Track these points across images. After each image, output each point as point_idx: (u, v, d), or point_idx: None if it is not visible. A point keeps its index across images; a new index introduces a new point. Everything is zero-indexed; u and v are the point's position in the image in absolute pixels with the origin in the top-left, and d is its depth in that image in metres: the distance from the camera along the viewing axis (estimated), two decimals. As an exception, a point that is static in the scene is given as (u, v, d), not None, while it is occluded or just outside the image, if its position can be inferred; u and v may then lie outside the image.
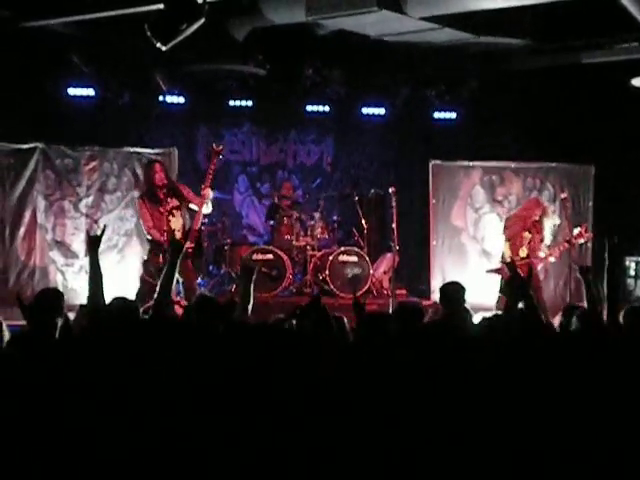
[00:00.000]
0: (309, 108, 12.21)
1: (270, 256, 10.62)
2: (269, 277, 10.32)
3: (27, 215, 10.48)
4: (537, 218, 9.20)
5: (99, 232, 5.38)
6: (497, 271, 9.21)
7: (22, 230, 10.46)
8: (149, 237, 8.83)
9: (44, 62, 10.43)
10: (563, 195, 10.48)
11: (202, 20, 6.85)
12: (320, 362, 4.14)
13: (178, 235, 8.61)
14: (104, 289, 5.12)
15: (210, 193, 8.77)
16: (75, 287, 10.30)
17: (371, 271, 10.82)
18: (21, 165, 10.48)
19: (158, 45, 7.13)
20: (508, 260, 8.56)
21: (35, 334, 4.68)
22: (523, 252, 9.14)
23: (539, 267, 9.32)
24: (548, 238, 9.36)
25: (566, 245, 9.24)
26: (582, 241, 9.33)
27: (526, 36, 9.75)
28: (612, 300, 5.21)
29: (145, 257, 9.02)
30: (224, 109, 12.01)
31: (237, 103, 11.94)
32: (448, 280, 6.85)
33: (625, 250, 10.73)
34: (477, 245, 11.51)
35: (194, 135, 12.47)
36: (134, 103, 11.36)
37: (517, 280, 5.37)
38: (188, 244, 8.61)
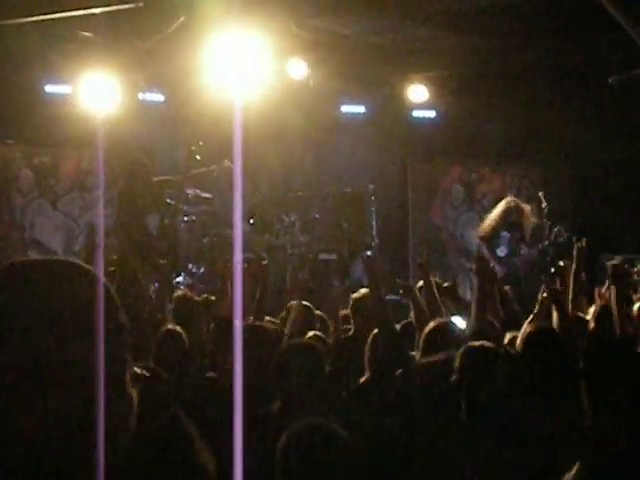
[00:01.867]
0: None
1: (250, 255, 10.60)
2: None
3: (4, 214, 10.41)
4: (514, 218, 9.25)
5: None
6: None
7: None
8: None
9: (21, 60, 10.34)
10: (540, 194, 10.53)
11: (182, 19, 6.83)
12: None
13: (154, 233, 8.62)
14: None
15: None
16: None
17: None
18: (-2, 164, 10.42)
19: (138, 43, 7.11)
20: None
21: None
22: (502, 252, 9.18)
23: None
24: (527, 238, 9.41)
25: (545, 244, 9.30)
26: (561, 240, 9.38)
27: (508, 34, 9.79)
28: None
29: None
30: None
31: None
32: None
33: (602, 249, 10.79)
34: (457, 243, 11.55)
35: (173, 133, 12.40)
36: (112, 100, 11.27)
37: (484, 279, 5.35)
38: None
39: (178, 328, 4.78)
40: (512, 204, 9.49)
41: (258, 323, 4.79)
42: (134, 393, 1.46)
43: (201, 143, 9.01)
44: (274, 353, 4.23)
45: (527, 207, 9.83)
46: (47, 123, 10.88)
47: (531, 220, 9.63)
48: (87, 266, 1.45)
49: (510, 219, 9.23)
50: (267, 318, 5.75)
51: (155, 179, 9.15)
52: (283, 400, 3.93)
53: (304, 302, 5.76)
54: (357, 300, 5.75)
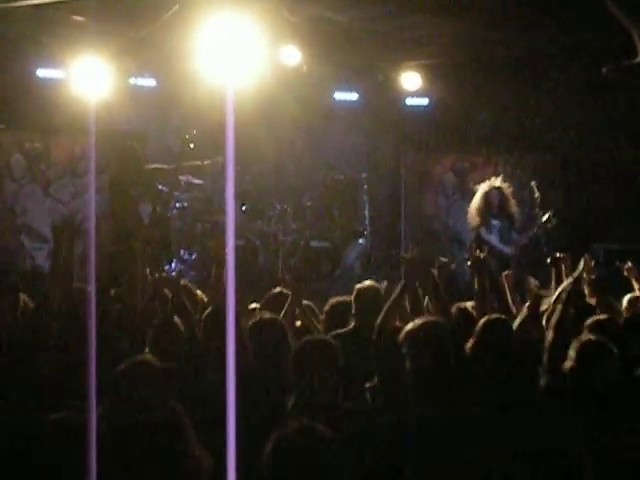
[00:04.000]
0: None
1: (242, 242, 10.61)
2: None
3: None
4: (497, 201, 9.26)
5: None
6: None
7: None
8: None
9: (13, 44, 10.27)
10: (532, 183, 10.52)
11: (176, 7, 6.80)
12: None
13: (147, 221, 8.60)
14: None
15: None
16: (46, 271, 10.23)
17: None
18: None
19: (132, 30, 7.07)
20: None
21: None
22: (493, 240, 9.20)
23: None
24: (516, 224, 9.42)
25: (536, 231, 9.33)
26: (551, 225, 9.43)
27: (501, 24, 9.76)
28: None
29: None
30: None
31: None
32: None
33: (594, 237, 10.83)
34: (449, 231, 11.57)
35: (166, 119, 12.34)
36: (104, 85, 11.20)
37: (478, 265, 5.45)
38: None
39: (175, 318, 4.76)
40: (490, 186, 9.44)
41: (268, 316, 4.70)
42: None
43: (195, 132, 8.97)
44: (287, 348, 4.23)
45: (506, 187, 9.60)
46: (39, 108, 10.81)
47: (514, 202, 9.51)
48: None
49: (492, 201, 9.22)
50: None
51: (148, 167, 9.12)
52: (298, 396, 3.91)
53: (294, 293, 5.62)
54: (361, 291, 5.43)
